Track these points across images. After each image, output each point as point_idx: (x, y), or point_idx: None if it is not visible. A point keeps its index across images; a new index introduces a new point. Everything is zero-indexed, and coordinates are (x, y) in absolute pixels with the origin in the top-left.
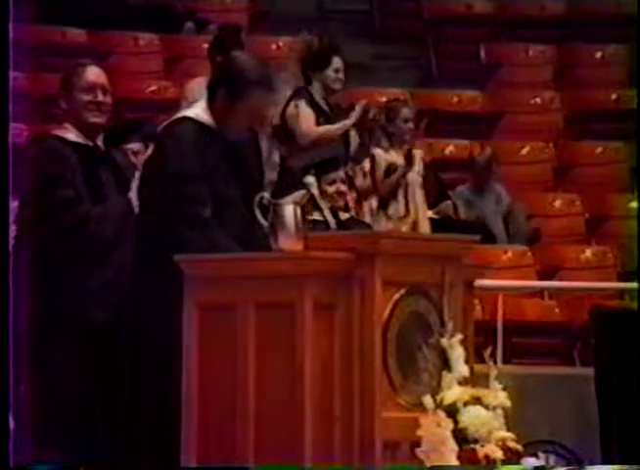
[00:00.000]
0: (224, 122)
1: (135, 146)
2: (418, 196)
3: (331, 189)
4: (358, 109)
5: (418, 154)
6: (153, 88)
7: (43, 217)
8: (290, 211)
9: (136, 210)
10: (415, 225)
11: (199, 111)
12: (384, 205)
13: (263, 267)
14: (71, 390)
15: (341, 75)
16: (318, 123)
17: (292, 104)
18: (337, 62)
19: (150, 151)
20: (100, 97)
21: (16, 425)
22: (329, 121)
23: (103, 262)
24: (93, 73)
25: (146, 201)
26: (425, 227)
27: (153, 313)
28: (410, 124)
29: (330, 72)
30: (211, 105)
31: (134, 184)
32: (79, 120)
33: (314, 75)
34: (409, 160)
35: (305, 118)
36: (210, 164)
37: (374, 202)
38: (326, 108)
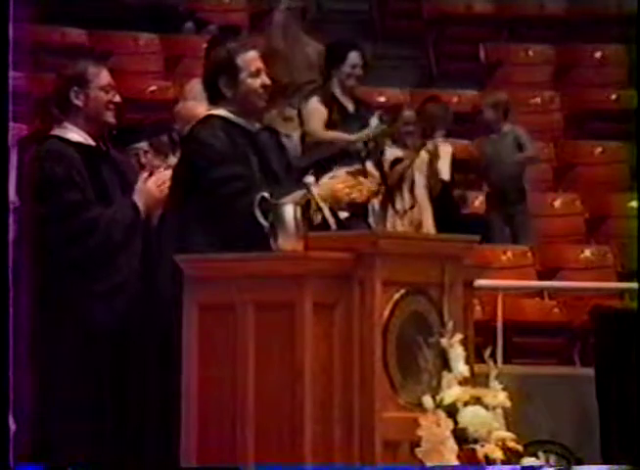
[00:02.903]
0: (242, 110)
1: (143, 145)
2: (421, 192)
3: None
4: (368, 129)
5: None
6: (153, 88)
7: (50, 220)
8: (290, 211)
9: (143, 212)
10: (419, 220)
11: (219, 110)
12: (390, 197)
13: (263, 267)
14: (73, 391)
15: (357, 71)
16: (330, 121)
17: (303, 101)
18: (353, 58)
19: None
20: (117, 97)
21: (17, 426)
22: (345, 117)
23: (110, 266)
24: (107, 74)
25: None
26: (428, 223)
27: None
28: (410, 127)
29: (345, 68)
30: (220, 100)
31: (137, 186)
32: (96, 119)
33: (332, 71)
34: (418, 151)
35: (313, 117)
36: (238, 154)
37: (376, 201)
38: (348, 104)
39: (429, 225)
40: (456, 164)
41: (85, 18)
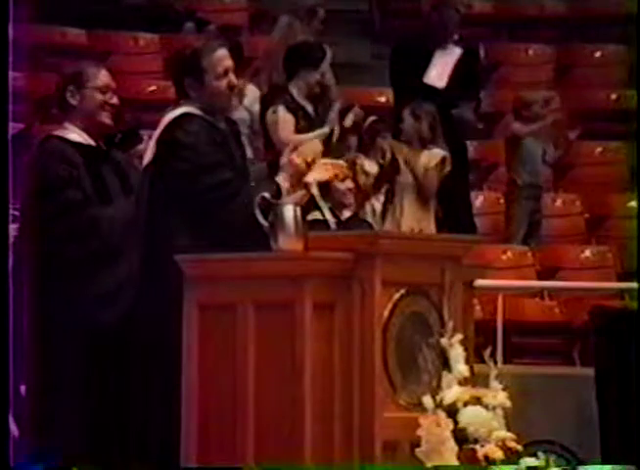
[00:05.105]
0: (208, 108)
1: (143, 147)
2: (408, 195)
3: (343, 186)
4: (334, 115)
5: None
6: (153, 88)
7: (50, 220)
8: (290, 211)
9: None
10: (398, 222)
11: (189, 107)
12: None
13: (263, 267)
14: (74, 391)
15: (324, 80)
16: (298, 125)
17: (270, 109)
18: (325, 66)
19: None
20: (114, 99)
21: (17, 427)
22: (311, 122)
23: (110, 265)
24: (106, 75)
25: (163, 197)
26: (410, 224)
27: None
28: (410, 123)
29: (317, 75)
30: (189, 99)
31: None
32: (90, 119)
33: (299, 73)
34: (394, 163)
35: (283, 126)
36: (219, 154)
37: (376, 202)
38: (308, 106)
39: (413, 226)
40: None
41: (85, 18)
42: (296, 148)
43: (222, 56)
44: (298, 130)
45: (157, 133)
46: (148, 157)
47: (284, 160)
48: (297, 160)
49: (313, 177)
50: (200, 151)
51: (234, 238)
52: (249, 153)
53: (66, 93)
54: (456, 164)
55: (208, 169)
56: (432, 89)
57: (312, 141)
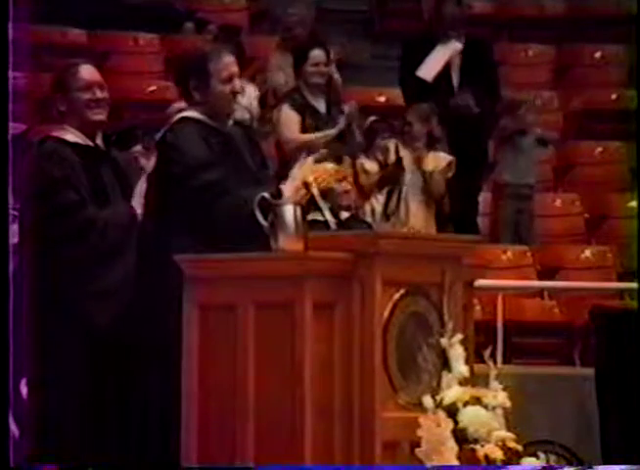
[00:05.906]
0: (212, 112)
1: (139, 148)
2: (414, 200)
3: (340, 187)
4: (343, 119)
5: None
6: (153, 88)
7: (47, 221)
8: (290, 211)
9: (139, 215)
10: (406, 222)
11: (191, 111)
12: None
13: (263, 267)
14: (74, 392)
15: (321, 69)
16: (304, 124)
17: (276, 109)
18: (316, 56)
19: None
20: (98, 94)
21: (17, 427)
22: (320, 121)
23: (106, 267)
24: (87, 71)
25: (158, 202)
26: (420, 225)
27: (160, 314)
28: (419, 126)
29: (308, 67)
30: (193, 101)
31: (137, 189)
32: (81, 119)
33: (299, 72)
34: (399, 163)
35: (287, 125)
36: (213, 155)
37: (375, 202)
38: (319, 105)
39: (419, 227)
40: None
41: (85, 18)
42: (308, 150)
43: (229, 61)
44: (305, 128)
45: (157, 137)
46: (152, 160)
47: (295, 170)
48: (310, 179)
49: (313, 177)
50: (189, 153)
51: (227, 238)
52: None
53: (55, 102)
54: (469, 162)
55: (197, 171)
56: (439, 87)
57: (326, 165)
